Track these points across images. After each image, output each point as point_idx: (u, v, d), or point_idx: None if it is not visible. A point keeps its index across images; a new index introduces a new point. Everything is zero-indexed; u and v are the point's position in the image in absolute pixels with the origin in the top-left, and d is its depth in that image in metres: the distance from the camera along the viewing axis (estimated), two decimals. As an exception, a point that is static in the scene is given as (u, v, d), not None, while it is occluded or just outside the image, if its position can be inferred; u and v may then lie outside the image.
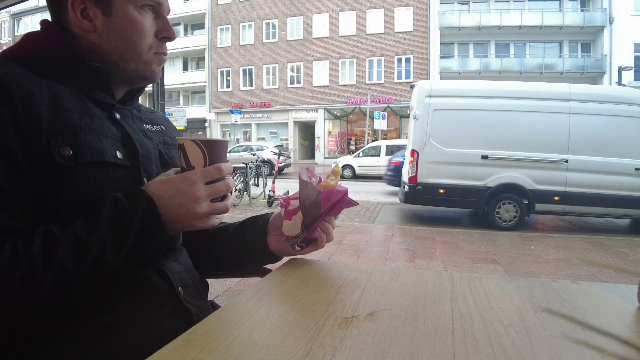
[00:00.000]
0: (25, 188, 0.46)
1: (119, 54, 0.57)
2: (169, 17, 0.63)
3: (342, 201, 0.59)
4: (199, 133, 23.04)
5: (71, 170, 0.49)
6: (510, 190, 5.25)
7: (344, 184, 0.61)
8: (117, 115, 0.58)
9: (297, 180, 0.62)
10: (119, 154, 0.54)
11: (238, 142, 18.90)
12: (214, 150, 0.54)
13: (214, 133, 22.27)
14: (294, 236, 0.61)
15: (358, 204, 0.64)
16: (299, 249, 0.63)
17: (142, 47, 0.58)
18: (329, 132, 20.81)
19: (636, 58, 16.21)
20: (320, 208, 0.57)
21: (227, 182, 0.54)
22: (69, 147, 0.49)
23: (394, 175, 7.93)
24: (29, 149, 0.46)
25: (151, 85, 0.71)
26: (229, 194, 0.55)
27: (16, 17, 24.93)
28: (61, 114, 0.50)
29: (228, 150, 0.56)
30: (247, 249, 0.70)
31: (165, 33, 0.61)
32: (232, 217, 5.22)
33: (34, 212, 0.47)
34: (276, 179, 6.86)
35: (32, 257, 0.42)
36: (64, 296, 0.45)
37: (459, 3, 19.00)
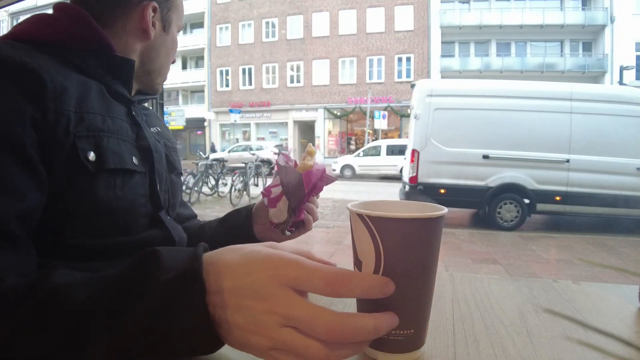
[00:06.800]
0: (36, 193, 0.42)
1: (157, 67, 0.63)
2: None
3: (322, 179, 0.60)
4: (198, 133, 23.04)
5: (93, 177, 0.47)
6: (511, 190, 5.24)
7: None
8: (134, 112, 0.58)
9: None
10: (134, 160, 0.53)
11: (237, 142, 18.92)
12: (402, 248, 0.33)
13: (214, 132, 22.27)
14: (282, 222, 0.61)
15: (336, 179, 0.65)
16: (289, 233, 0.63)
17: (170, 66, 0.67)
18: (329, 132, 20.81)
19: (638, 57, 16.17)
20: (304, 190, 0.58)
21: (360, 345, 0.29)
22: (93, 152, 0.47)
23: None
24: (52, 150, 0.43)
25: None
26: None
27: (15, 15, 24.95)
28: (86, 116, 0.48)
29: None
30: (234, 242, 0.68)
31: (175, 56, 0.68)
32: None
33: (49, 217, 0.45)
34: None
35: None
36: None
37: (459, 2, 18.98)
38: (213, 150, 14.88)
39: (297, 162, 0.60)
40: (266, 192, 0.62)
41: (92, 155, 0.47)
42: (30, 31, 0.52)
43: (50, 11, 0.55)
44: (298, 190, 0.58)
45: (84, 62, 0.52)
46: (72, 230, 0.47)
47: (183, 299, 0.29)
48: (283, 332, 0.28)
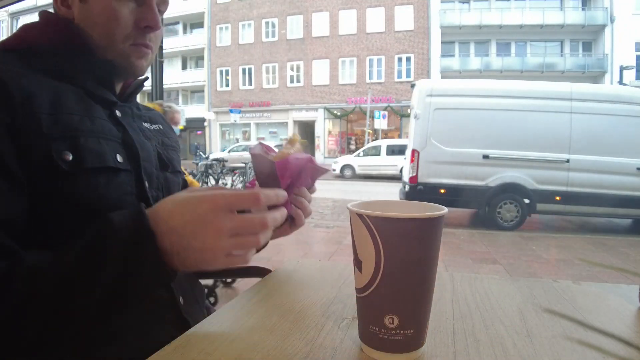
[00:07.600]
0: (15, 198, 0.43)
1: (95, 43, 0.54)
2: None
3: (308, 170, 0.54)
4: (198, 133, 23.03)
5: (73, 177, 0.47)
6: (511, 190, 5.24)
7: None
8: (118, 113, 0.57)
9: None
10: (119, 158, 0.52)
11: (237, 142, 18.91)
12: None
13: (214, 132, 22.26)
14: None
15: (328, 170, 0.58)
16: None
17: (117, 37, 0.54)
18: (329, 132, 20.80)
19: (637, 57, 16.16)
20: (278, 181, 0.51)
21: (265, 219, 0.41)
22: (69, 152, 0.47)
23: None
24: (26, 154, 0.44)
25: (150, 83, 0.69)
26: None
27: (14, 16, 24.92)
28: (61, 117, 0.47)
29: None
30: None
31: (145, 22, 0.54)
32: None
33: (34, 220, 0.45)
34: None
35: None
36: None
37: (459, 2, 18.96)
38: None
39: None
40: (250, 185, 0.59)
41: (68, 156, 0.47)
42: (20, 39, 0.53)
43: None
44: (272, 181, 0.51)
45: (63, 68, 0.52)
46: (60, 230, 0.46)
47: (139, 248, 0.38)
48: (232, 240, 0.39)
